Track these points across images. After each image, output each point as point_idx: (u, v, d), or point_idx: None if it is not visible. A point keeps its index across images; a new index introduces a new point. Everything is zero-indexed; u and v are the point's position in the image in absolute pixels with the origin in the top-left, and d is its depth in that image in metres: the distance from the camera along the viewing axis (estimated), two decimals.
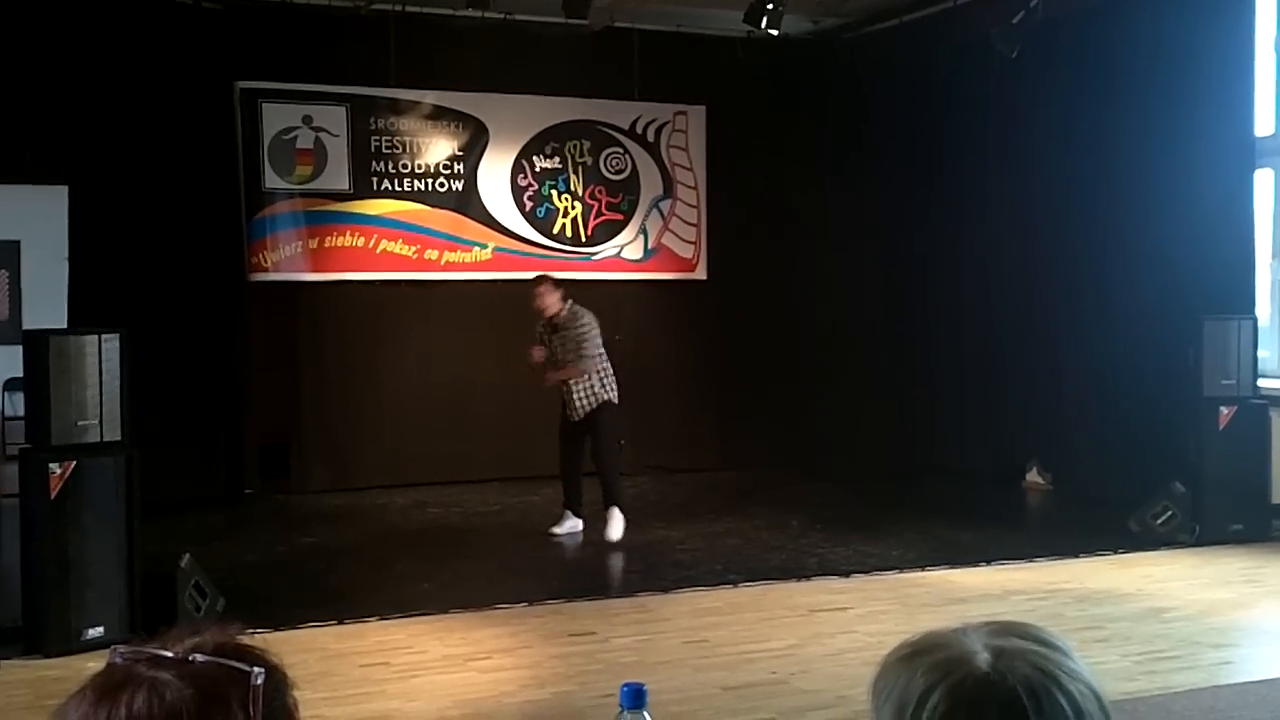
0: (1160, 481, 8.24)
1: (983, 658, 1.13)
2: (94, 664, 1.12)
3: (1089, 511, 8.95)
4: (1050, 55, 9.60)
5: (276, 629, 5.88)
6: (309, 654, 5.62)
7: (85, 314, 8.66)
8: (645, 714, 1.76)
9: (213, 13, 9.90)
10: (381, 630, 6.25)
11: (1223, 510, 8.12)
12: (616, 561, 7.88)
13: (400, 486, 10.21)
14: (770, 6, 9.33)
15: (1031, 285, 10.20)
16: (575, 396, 8.30)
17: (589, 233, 11.24)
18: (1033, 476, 10.37)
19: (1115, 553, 7.87)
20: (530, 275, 9.01)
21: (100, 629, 5.76)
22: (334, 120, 10.41)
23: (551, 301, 8.29)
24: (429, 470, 10.41)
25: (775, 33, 9.65)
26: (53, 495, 5.75)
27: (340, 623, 6.32)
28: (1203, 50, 8.82)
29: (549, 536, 8.43)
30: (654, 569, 7.60)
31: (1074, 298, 9.81)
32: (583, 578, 7.55)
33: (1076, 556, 7.78)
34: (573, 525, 8.49)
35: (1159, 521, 8.16)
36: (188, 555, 6.20)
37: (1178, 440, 8.44)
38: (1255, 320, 8.42)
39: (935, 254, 11.14)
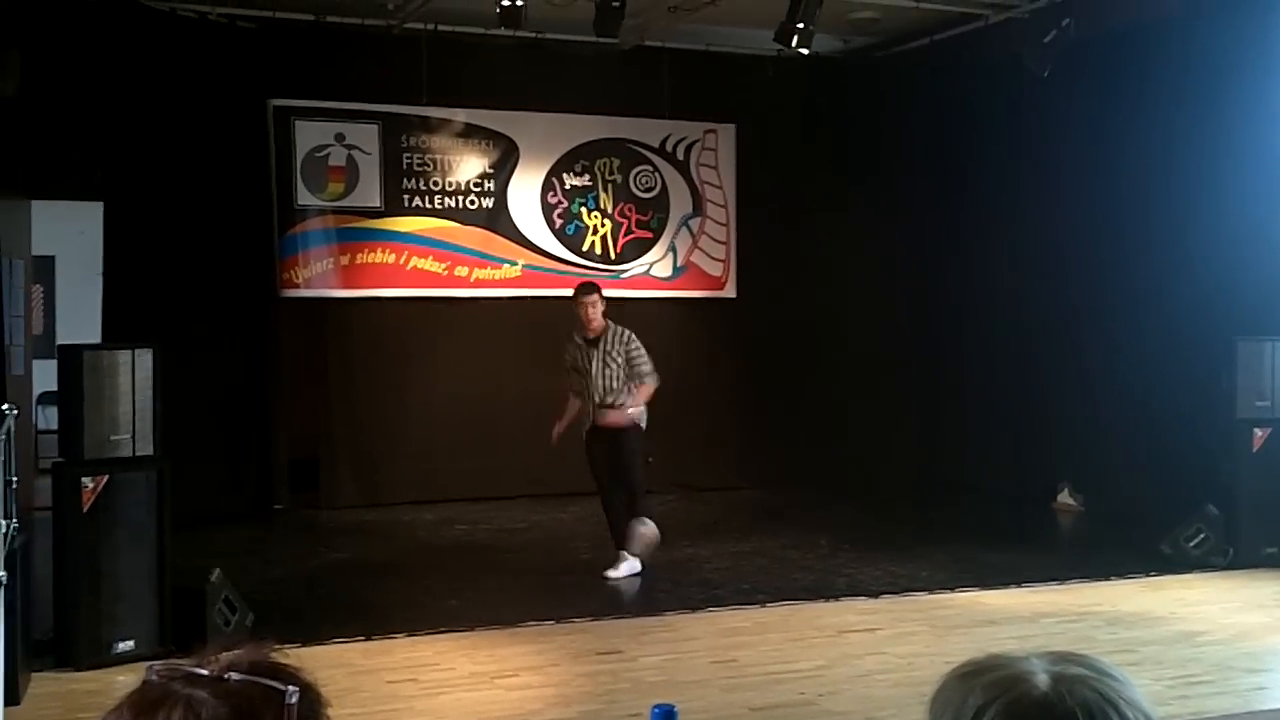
0: (1193, 504, 8.16)
1: (1042, 679, 1.13)
2: (124, 677, 1.13)
3: (1121, 533, 8.87)
4: (1081, 75, 9.57)
5: (304, 644, 5.90)
6: (336, 670, 5.62)
7: (118, 329, 8.75)
8: None
9: (247, 31, 9.99)
10: (409, 646, 6.26)
11: (1257, 533, 8.03)
12: (643, 580, 7.85)
13: (429, 502, 10.23)
14: (800, 26, 9.33)
15: (1063, 305, 10.13)
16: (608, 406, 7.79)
17: (618, 250, 11.26)
18: (1064, 498, 10.29)
19: (1147, 575, 7.79)
20: (561, 292, 8.82)
21: (130, 642, 5.79)
22: (366, 138, 10.48)
23: (598, 314, 7.76)
24: (458, 486, 10.42)
25: (805, 52, 9.63)
26: (85, 509, 5.81)
27: (368, 639, 6.34)
28: (1234, 69, 8.77)
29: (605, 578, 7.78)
30: (681, 588, 7.57)
31: (1106, 318, 9.75)
32: (609, 596, 7.52)
33: (1108, 579, 7.71)
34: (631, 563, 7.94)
35: (1192, 544, 8.08)
36: (217, 570, 6.23)
37: (1211, 462, 8.37)
38: None
39: (965, 273, 11.10)
